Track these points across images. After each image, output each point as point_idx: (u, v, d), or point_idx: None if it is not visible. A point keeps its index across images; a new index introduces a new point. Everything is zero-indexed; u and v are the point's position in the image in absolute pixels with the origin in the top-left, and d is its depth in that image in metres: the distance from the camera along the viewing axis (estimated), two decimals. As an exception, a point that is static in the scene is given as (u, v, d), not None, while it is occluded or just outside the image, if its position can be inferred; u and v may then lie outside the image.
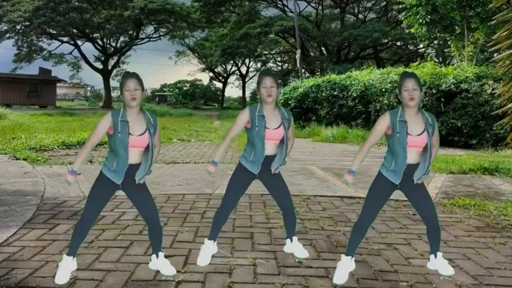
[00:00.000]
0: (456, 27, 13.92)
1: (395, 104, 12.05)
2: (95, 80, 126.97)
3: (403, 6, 14.40)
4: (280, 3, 37.50)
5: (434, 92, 11.59)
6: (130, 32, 42.02)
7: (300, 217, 4.38)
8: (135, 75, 2.79)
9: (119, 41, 43.63)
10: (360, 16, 39.11)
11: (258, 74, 53.07)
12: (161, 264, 2.93)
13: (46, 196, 5.08)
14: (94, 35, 41.09)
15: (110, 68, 43.01)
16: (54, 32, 37.53)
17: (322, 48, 39.55)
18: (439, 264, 3.00)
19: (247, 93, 55.70)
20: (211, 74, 57.43)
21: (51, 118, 20.34)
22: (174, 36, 43.95)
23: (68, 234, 3.64)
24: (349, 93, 13.98)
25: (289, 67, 47.22)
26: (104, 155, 7.68)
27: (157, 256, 2.94)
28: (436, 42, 23.79)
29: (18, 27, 35.23)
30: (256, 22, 34.93)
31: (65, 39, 39.52)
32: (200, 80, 63.14)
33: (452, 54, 17.06)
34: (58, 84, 43.79)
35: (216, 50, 42.82)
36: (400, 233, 3.96)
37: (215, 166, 3.15)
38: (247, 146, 3.14)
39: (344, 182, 3.08)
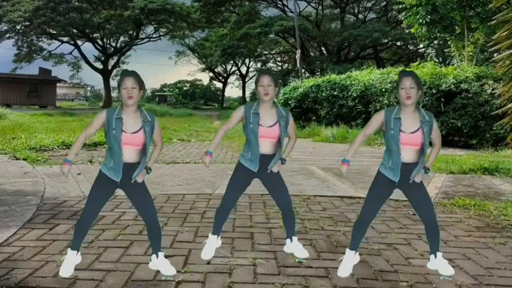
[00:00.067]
0: (456, 27, 13.92)
1: (395, 104, 12.00)
2: (95, 80, 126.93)
3: (403, 6, 14.40)
4: (280, 3, 37.51)
5: (434, 92, 11.59)
6: (130, 32, 42.01)
7: (300, 217, 4.38)
8: (133, 74, 2.79)
9: (119, 41, 43.64)
10: (360, 16, 39.11)
11: (256, 74, 53.17)
12: (161, 264, 2.93)
13: (46, 196, 5.08)
14: (94, 35, 41.07)
15: (110, 68, 42.99)
16: (54, 32, 37.52)
17: (322, 48, 39.54)
18: (439, 264, 3.00)
19: (247, 93, 55.67)
20: (211, 74, 57.48)
21: (51, 118, 20.35)
22: (174, 36, 43.94)
23: (68, 234, 3.65)
24: (349, 93, 13.98)
25: (289, 67, 47.21)
26: (103, 155, 7.70)
27: (157, 256, 2.94)
28: (436, 42, 23.79)
29: (18, 27, 35.21)
30: (256, 22, 34.91)
31: (65, 39, 39.51)
32: (200, 80, 63.19)
33: (452, 54, 17.06)
34: (58, 84, 43.81)
35: (216, 50, 42.81)
36: (400, 233, 3.96)
37: (210, 156, 3.19)
38: (245, 145, 3.18)
39: (340, 172, 3.12)
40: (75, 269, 2.92)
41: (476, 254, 3.44)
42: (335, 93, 14.51)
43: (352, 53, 38.97)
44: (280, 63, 52.68)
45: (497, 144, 10.73)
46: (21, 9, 33.21)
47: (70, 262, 2.88)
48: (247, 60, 51.44)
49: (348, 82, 14.35)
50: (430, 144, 2.96)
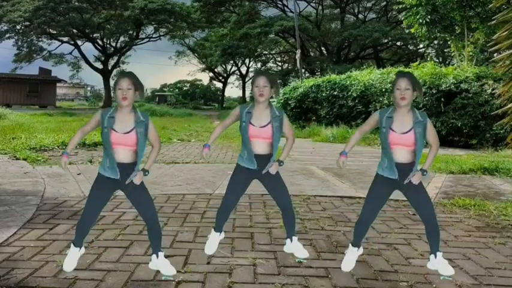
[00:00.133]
0: (456, 27, 13.92)
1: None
2: (95, 80, 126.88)
3: (403, 6, 14.40)
4: (280, 3, 37.53)
5: (434, 92, 11.59)
6: (131, 32, 42.00)
7: (300, 217, 4.38)
8: (129, 75, 2.79)
9: (119, 41, 43.63)
10: (360, 16, 39.12)
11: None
12: (161, 264, 2.93)
13: (46, 196, 5.08)
14: (94, 35, 41.07)
15: (110, 68, 42.99)
16: (54, 32, 37.52)
17: (322, 48, 39.55)
18: (439, 264, 3.00)
19: (247, 93, 55.61)
20: (211, 74, 57.48)
21: (51, 118, 20.34)
22: (174, 36, 43.93)
23: (68, 234, 3.65)
24: (349, 93, 13.98)
25: (289, 67, 47.23)
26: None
27: (157, 256, 2.94)
28: (436, 42, 23.79)
29: (18, 27, 35.21)
30: (256, 22, 34.93)
31: (65, 39, 39.51)
32: (200, 80, 63.17)
33: (452, 54, 17.06)
34: (58, 84, 43.83)
35: (216, 50, 42.82)
36: (400, 233, 3.96)
37: (208, 148, 3.25)
38: (242, 144, 3.21)
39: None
40: (75, 269, 2.93)
41: (476, 254, 3.44)
42: (335, 93, 14.51)
43: (352, 53, 38.98)
44: (280, 63, 52.74)
45: (497, 144, 10.73)
46: (21, 9, 33.21)
47: (73, 256, 2.95)
48: (247, 60, 51.46)
49: (348, 82, 14.35)
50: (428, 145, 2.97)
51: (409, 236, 3.86)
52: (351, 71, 16.08)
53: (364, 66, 18.00)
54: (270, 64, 51.82)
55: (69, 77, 47.83)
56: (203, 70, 56.34)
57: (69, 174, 6.46)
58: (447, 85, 11.46)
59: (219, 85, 59.88)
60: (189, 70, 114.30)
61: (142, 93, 2.85)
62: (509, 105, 6.54)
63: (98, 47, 42.30)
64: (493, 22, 7.61)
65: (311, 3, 37.80)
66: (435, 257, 3.00)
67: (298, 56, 20.75)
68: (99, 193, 2.86)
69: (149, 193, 2.95)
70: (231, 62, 49.74)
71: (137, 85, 2.77)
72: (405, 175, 2.86)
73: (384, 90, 12.87)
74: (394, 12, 30.40)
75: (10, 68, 39.22)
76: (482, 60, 15.95)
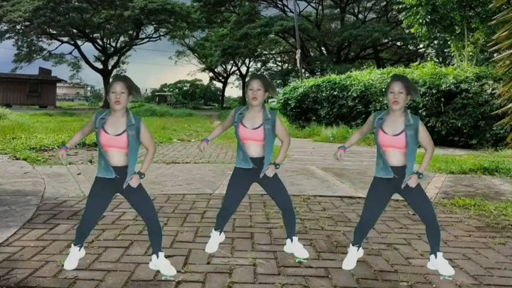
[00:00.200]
0: (456, 27, 13.91)
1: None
2: (95, 80, 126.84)
3: (403, 6, 14.38)
4: (280, 3, 37.53)
5: (434, 92, 11.58)
6: (131, 32, 42.03)
7: (300, 217, 4.38)
8: (123, 78, 2.83)
9: (119, 41, 43.68)
10: (360, 16, 39.10)
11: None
12: (161, 264, 2.93)
13: (46, 196, 5.08)
14: (94, 35, 41.10)
15: (110, 68, 43.01)
16: (54, 32, 37.55)
17: (322, 48, 39.54)
18: (439, 264, 3.00)
19: (247, 93, 55.59)
20: (211, 74, 57.46)
21: (51, 118, 20.35)
22: (174, 36, 43.97)
23: (68, 234, 3.65)
24: (349, 93, 13.97)
25: (289, 67, 47.17)
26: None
27: (157, 256, 2.94)
28: (436, 42, 23.79)
29: (18, 27, 35.23)
30: (256, 22, 34.92)
31: (65, 39, 39.53)
32: (200, 80, 63.15)
33: (452, 54, 17.05)
34: (58, 84, 43.84)
35: (216, 50, 42.81)
36: (400, 233, 3.96)
37: (206, 142, 3.30)
38: (237, 147, 3.25)
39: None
40: (75, 269, 2.93)
41: (476, 254, 3.44)
42: (335, 93, 14.50)
43: (352, 53, 38.97)
44: (280, 63, 52.70)
45: (497, 144, 10.72)
46: (21, 9, 33.22)
47: (74, 256, 2.98)
48: (247, 60, 51.43)
49: (348, 82, 14.34)
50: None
51: (409, 236, 3.86)
52: (351, 71, 16.06)
53: (364, 66, 17.98)
54: (270, 64, 51.86)
55: (69, 77, 47.94)
56: (203, 70, 56.34)
57: (69, 174, 6.46)
58: (447, 85, 11.45)
59: (219, 85, 59.95)
60: (189, 70, 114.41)
61: (139, 94, 2.88)
62: (509, 105, 6.54)
63: (98, 47, 42.33)
64: (493, 22, 7.59)
65: (311, 3, 37.81)
66: (435, 257, 3.00)
67: (298, 56, 20.74)
68: (97, 196, 2.88)
69: (147, 194, 2.96)
70: (231, 62, 49.73)
71: (131, 88, 2.80)
72: (400, 176, 2.88)
73: (384, 90, 12.85)
74: (394, 12, 30.38)
75: (10, 68, 39.33)
76: (482, 60, 15.94)
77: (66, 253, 3.13)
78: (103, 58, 42.95)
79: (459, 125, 11.20)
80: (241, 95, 56.88)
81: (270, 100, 57.61)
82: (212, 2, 35.29)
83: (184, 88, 63.33)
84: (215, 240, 3.38)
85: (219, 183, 5.97)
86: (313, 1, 37.51)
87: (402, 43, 35.95)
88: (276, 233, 3.86)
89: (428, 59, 19.41)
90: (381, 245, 3.61)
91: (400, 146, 2.84)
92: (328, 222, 4.25)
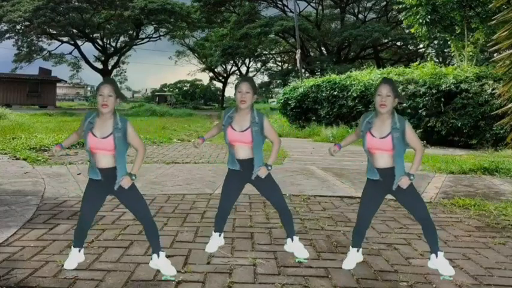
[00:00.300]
0: (456, 27, 13.91)
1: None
2: (95, 80, 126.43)
3: (403, 6, 14.38)
4: (280, 3, 37.52)
5: (434, 92, 11.58)
6: (131, 32, 42.02)
7: (300, 217, 4.38)
8: (110, 82, 2.86)
9: (119, 41, 43.67)
10: (360, 16, 39.10)
11: (256, 74, 52.61)
12: (162, 264, 2.94)
13: (46, 196, 5.08)
14: (94, 35, 41.10)
15: (110, 68, 43.00)
16: (54, 32, 37.54)
17: (322, 48, 39.53)
18: (439, 263, 3.00)
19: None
20: (211, 74, 57.41)
21: (51, 118, 20.34)
22: (174, 36, 43.96)
23: (68, 234, 3.65)
24: (349, 93, 13.97)
25: (289, 67, 47.16)
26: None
27: (158, 255, 2.95)
28: (436, 42, 23.78)
29: (18, 27, 35.22)
30: (256, 22, 34.91)
31: (65, 39, 39.53)
32: (200, 80, 63.09)
33: (452, 54, 17.05)
34: (58, 84, 43.78)
35: (216, 50, 42.80)
36: (400, 233, 3.96)
37: (202, 140, 3.38)
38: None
39: (329, 152, 3.20)
40: (75, 269, 2.94)
41: (476, 254, 3.44)
42: (335, 93, 14.50)
43: (352, 53, 38.96)
44: (280, 63, 52.69)
45: (497, 144, 10.72)
46: (21, 9, 33.21)
47: (73, 257, 3.00)
48: (247, 60, 51.43)
49: (348, 82, 14.34)
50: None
51: (409, 236, 3.86)
52: (351, 71, 16.06)
53: (364, 66, 17.98)
54: (270, 64, 51.86)
55: (69, 77, 47.96)
56: (203, 70, 56.30)
57: (69, 174, 6.46)
58: (447, 85, 11.45)
59: (219, 85, 59.89)
60: (189, 70, 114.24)
61: (124, 100, 2.92)
62: (509, 105, 6.55)
63: (98, 47, 42.33)
64: (493, 22, 7.60)
65: (311, 3, 37.81)
66: (436, 256, 3.01)
67: (298, 56, 20.73)
68: (91, 197, 2.91)
69: (140, 194, 2.98)
70: (231, 62, 49.71)
71: (118, 92, 2.82)
72: (388, 178, 2.90)
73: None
74: (394, 12, 30.37)
75: (10, 68, 39.31)
76: (482, 60, 15.93)
77: (66, 253, 3.14)
78: (103, 58, 42.96)
79: (459, 125, 11.20)
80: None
81: (270, 100, 57.62)
82: (212, 2, 35.28)
83: (184, 88, 63.31)
84: (215, 242, 3.40)
85: (219, 183, 5.96)
86: (313, 1, 37.53)
87: (402, 43, 35.96)
88: (276, 233, 3.86)
89: (428, 59, 19.42)
90: (381, 245, 3.61)
91: (387, 149, 2.86)
92: (328, 222, 4.25)
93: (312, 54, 40.61)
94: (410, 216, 4.48)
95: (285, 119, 16.87)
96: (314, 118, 15.22)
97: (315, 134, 13.92)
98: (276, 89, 48.61)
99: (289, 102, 15.89)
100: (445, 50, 27.72)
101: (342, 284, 2.83)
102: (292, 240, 3.32)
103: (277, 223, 4.08)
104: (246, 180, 3.22)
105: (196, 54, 53.95)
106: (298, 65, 22.07)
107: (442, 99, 11.54)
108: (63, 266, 2.98)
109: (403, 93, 11.59)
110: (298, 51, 20.91)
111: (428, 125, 11.55)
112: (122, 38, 43.49)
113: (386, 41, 35.26)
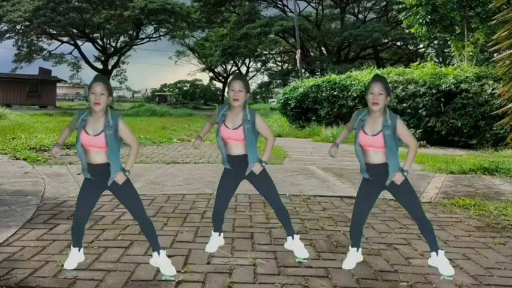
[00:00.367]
0: (456, 27, 13.91)
1: (395, 103, 12.04)
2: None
3: (403, 6, 14.38)
4: (280, 3, 37.51)
5: (434, 92, 11.57)
6: (131, 32, 42.00)
7: (300, 217, 4.38)
8: (103, 80, 2.88)
9: (119, 41, 43.64)
10: (360, 16, 39.09)
11: (256, 74, 52.45)
12: (162, 262, 2.94)
13: (46, 196, 5.09)
14: (94, 35, 41.07)
15: (110, 68, 42.99)
16: (54, 32, 37.51)
17: (322, 48, 39.52)
18: (439, 262, 3.01)
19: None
20: (211, 74, 57.44)
21: (51, 118, 20.33)
22: (174, 36, 43.94)
23: (68, 234, 3.64)
24: (349, 93, 13.96)
25: (289, 67, 47.16)
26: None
27: (158, 253, 2.97)
28: (436, 42, 23.79)
29: (18, 27, 35.18)
30: (256, 22, 34.90)
31: (65, 39, 39.50)
32: (200, 80, 63.06)
33: (452, 54, 17.05)
34: (58, 84, 43.78)
35: (216, 50, 42.78)
36: (400, 233, 3.96)
37: (200, 140, 3.45)
38: None
39: (329, 154, 3.21)
40: (75, 269, 2.94)
41: (476, 254, 3.44)
42: (335, 93, 14.49)
43: (352, 53, 38.95)
44: (280, 63, 52.69)
45: (497, 144, 10.72)
46: (21, 9, 33.19)
47: (73, 257, 3.01)
48: (247, 60, 51.44)
49: (348, 82, 14.33)
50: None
51: (409, 236, 3.86)
52: (351, 71, 16.05)
53: (364, 66, 17.98)
54: (270, 64, 51.86)
55: (69, 77, 47.95)
56: (203, 70, 56.31)
57: (69, 174, 6.46)
58: (447, 85, 11.45)
59: (219, 85, 59.84)
60: (189, 70, 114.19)
61: (112, 100, 2.93)
62: (509, 105, 6.54)
63: (98, 47, 42.30)
64: (493, 22, 7.59)
65: (311, 3, 37.80)
66: (437, 254, 3.02)
67: (298, 56, 20.73)
68: (85, 195, 2.94)
69: (136, 192, 2.98)
70: (231, 62, 49.70)
71: (110, 90, 2.85)
72: (381, 174, 2.91)
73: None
74: (394, 12, 30.37)
75: (10, 68, 39.31)
76: (482, 60, 15.93)
77: (66, 253, 3.14)
78: (103, 58, 42.94)
79: (459, 125, 11.20)
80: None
81: (270, 100, 57.57)
82: (212, 2, 35.26)
83: (184, 88, 63.28)
84: (215, 241, 3.41)
85: (219, 183, 5.97)
86: (313, 1, 37.52)
87: (402, 43, 35.95)
88: (276, 233, 3.86)
89: (428, 59, 19.42)
90: (381, 245, 3.61)
91: (379, 146, 2.87)
92: (328, 222, 4.25)
93: (312, 54, 40.60)
94: (410, 216, 4.49)
95: (285, 119, 16.86)
96: (314, 118, 15.21)
97: (315, 134, 13.91)
98: (276, 89, 48.63)
99: (289, 102, 15.88)
100: (445, 50, 27.73)
101: (342, 284, 2.83)
102: (293, 238, 3.33)
103: (277, 223, 4.08)
104: (241, 177, 3.24)
105: (196, 54, 53.96)
106: (298, 65, 22.07)
107: (442, 99, 11.53)
108: (63, 266, 2.98)
109: (403, 93, 11.58)
110: (298, 51, 20.91)
111: (428, 125, 11.55)
112: (122, 38, 43.49)
113: (386, 41, 35.25)
